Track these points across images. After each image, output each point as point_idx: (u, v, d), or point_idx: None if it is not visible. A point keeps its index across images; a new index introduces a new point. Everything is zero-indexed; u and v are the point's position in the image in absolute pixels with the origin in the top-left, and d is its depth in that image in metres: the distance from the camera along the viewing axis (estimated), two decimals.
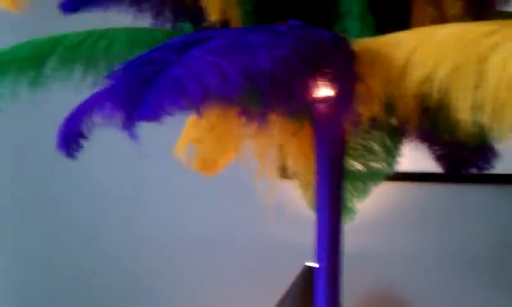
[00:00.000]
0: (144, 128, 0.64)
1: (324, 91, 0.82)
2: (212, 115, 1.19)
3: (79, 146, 0.76)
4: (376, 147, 1.26)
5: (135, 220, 1.92)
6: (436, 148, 1.22)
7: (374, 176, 1.32)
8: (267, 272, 1.76)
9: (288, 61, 0.68)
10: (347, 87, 0.76)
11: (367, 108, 0.77)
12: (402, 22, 0.92)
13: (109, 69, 0.91)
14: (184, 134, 1.29)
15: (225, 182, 1.78)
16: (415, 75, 0.70)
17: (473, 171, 1.27)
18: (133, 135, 0.64)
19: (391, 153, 1.22)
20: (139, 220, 1.91)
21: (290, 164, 1.25)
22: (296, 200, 1.74)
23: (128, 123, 0.63)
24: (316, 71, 0.75)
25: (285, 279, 1.65)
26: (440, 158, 1.27)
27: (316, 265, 1.51)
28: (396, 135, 1.16)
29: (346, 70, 0.75)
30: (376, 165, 1.32)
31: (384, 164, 1.30)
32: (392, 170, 1.29)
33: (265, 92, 0.68)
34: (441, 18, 0.91)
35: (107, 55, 0.97)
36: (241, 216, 1.82)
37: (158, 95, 0.63)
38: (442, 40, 0.70)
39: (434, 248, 1.72)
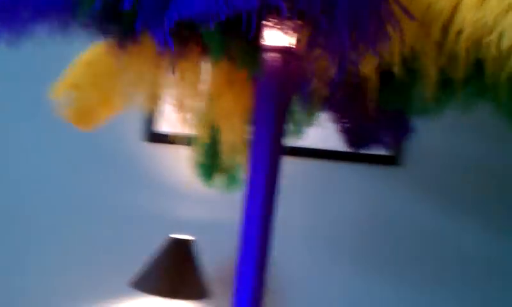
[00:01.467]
0: None
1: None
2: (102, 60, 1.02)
3: None
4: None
5: None
6: (345, 121, 1.13)
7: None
8: (129, 243, 1.66)
9: None
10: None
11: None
12: None
13: None
14: (63, 79, 1.12)
15: (87, 145, 1.64)
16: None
17: (375, 148, 1.21)
18: None
19: (299, 127, 1.11)
20: None
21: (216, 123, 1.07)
22: (164, 168, 1.62)
23: None
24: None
25: (147, 250, 1.57)
26: (346, 132, 1.18)
27: (183, 237, 1.40)
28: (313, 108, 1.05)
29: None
30: None
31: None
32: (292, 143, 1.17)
33: None
34: None
35: None
36: (104, 183, 1.65)
37: None
38: None
39: (300, 221, 1.68)
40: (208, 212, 1.65)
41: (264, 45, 0.76)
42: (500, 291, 1.73)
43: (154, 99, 1.02)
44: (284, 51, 0.75)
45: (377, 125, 1.07)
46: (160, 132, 1.64)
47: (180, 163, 1.65)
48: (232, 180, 1.32)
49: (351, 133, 1.15)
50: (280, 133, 0.79)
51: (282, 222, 1.67)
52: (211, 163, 1.25)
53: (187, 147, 1.70)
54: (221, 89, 0.93)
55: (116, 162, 1.65)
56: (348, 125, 1.16)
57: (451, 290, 1.71)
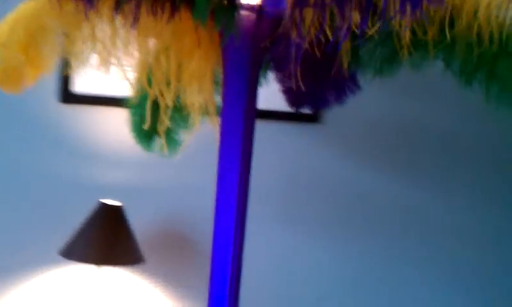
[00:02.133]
0: None
1: None
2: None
3: None
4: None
5: None
6: (287, 80, 1.13)
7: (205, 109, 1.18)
8: (55, 211, 1.56)
9: None
10: None
11: None
12: None
13: None
14: None
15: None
16: None
17: (316, 107, 1.23)
18: None
19: None
20: None
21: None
22: (84, 130, 1.55)
23: None
24: None
25: (74, 218, 1.52)
26: (287, 92, 1.19)
27: (111, 202, 1.36)
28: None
29: None
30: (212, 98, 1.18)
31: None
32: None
33: None
34: None
35: None
36: (23, 147, 1.53)
37: None
38: None
39: None
40: (134, 176, 1.60)
41: (239, 2, 0.73)
42: (419, 240, 1.87)
43: (105, 59, 0.95)
44: (259, 10, 0.73)
45: (322, 85, 1.09)
46: (79, 93, 1.54)
47: (102, 125, 1.57)
48: (172, 143, 1.28)
49: (294, 93, 1.16)
50: (253, 94, 0.78)
51: (206, 181, 1.68)
52: (151, 126, 1.21)
53: (110, 108, 1.61)
54: (189, 49, 0.89)
55: (33, 125, 1.52)
56: (288, 85, 1.17)
57: (375, 243, 1.82)
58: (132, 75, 1.08)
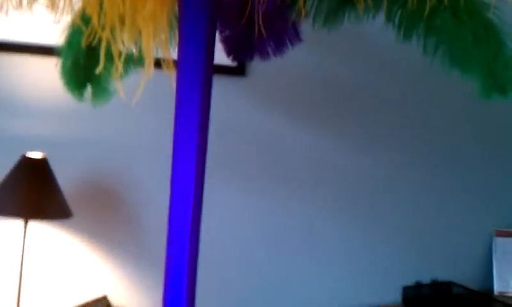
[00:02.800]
0: None
1: None
2: None
3: None
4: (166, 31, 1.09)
5: None
6: (226, 30, 1.13)
7: (140, 59, 1.16)
8: None
9: None
10: None
11: None
12: None
13: None
14: None
15: None
16: None
17: (255, 58, 1.24)
18: None
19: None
20: None
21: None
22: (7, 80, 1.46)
23: None
24: None
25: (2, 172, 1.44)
26: (226, 41, 1.18)
27: (34, 155, 1.31)
28: None
29: None
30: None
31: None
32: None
33: None
34: None
35: None
36: None
37: None
38: None
39: (150, 133, 1.67)
40: (61, 128, 1.53)
41: None
42: (334, 192, 1.97)
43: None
44: None
45: (262, 35, 1.10)
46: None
47: (26, 75, 1.48)
48: (103, 92, 1.24)
49: (233, 43, 1.16)
50: (211, 36, 0.77)
51: (133, 135, 1.64)
52: (83, 74, 1.16)
53: (33, 56, 1.52)
54: None
55: None
56: (228, 34, 1.17)
57: (301, 192, 1.89)
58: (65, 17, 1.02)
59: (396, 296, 2.14)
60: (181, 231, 0.79)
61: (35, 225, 1.51)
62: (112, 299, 1.64)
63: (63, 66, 1.17)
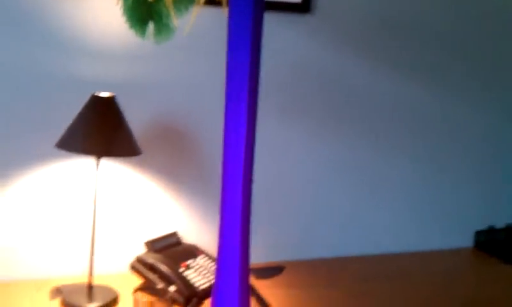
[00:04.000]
0: None
1: None
2: None
3: None
4: None
5: None
6: None
7: None
8: (49, 106, 1.49)
9: None
10: None
11: None
12: None
13: None
14: None
15: None
16: None
17: None
18: None
19: None
20: None
21: None
22: (72, 21, 1.48)
23: None
24: None
25: (71, 113, 1.52)
26: None
27: (103, 94, 1.34)
28: None
29: None
30: None
31: None
32: None
33: None
34: None
35: None
36: (15, 48, 1.45)
37: None
38: None
39: (208, 73, 1.65)
40: (125, 70, 1.56)
41: None
42: (408, 131, 1.92)
43: None
44: None
45: None
46: None
47: (89, 15, 1.50)
48: (164, 28, 1.25)
49: None
50: None
51: (203, 75, 1.65)
52: (145, 10, 1.17)
53: None
54: None
55: (19, 22, 1.45)
56: None
57: (364, 134, 1.86)
58: None
59: (468, 241, 2.09)
60: (234, 169, 0.80)
61: (106, 162, 1.57)
62: (182, 235, 1.69)
63: (125, 2, 1.18)
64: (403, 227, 1.98)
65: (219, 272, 0.83)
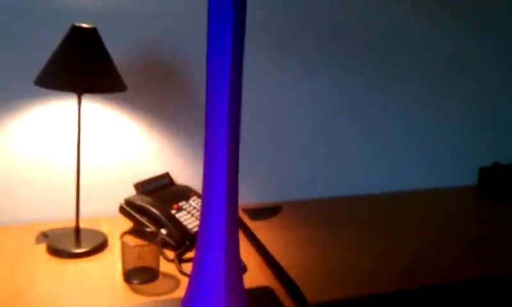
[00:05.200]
0: None
1: None
2: None
3: None
4: None
5: None
6: None
7: None
8: (29, 38, 1.39)
9: None
10: None
11: None
12: None
13: None
14: None
15: None
16: None
17: None
18: None
19: None
20: None
21: None
22: None
23: None
24: None
25: (51, 46, 1.33)
26: None
27: (85, 25, 1.24)
28: None
29: None
30: None
31: None
32: None
33: None
34: None
35: None
36: None
37: None
38: None
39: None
40: (106, 1, 1.44)
41: None
42: (416, 67, 1.82)
43: None
44: None
45: None
46: None
47: None
48: None
49: None
50: None
51: (182, 4, 1.54)
52: None
53: None
54: None
55: None
56: None
57: (372, 70, 1.76)
58: None
59: (473, 178, 2.03)
60: (219, 97, 0.71)
61: (88, 101, 1.48)
62: (174, 176, 1.62)
63: None
64: (408, 165, 1.91)
65: (204, 213, 0.76)
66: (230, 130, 0.69)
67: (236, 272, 0.77)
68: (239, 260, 0.78)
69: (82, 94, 1.30)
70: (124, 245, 1.16)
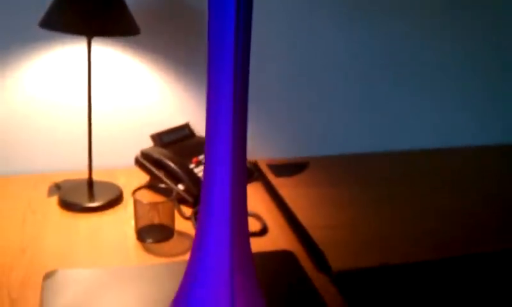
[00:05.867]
0: None
1: None
2: None
3: None
4: None
5: None
6: None
7: None
8: None
9: None
10: None
11: None
12: None
13: None
14: None
15: None
16: None
17: None
18: None
19: None
20: None
21: None
22: None
23: None
24: None
25: None
26: None
27: None
28: None
29: None
30: None
31: None
32: None
33: None
34: None
35: None
36: None
37: None
38: None
39: None
40: None
41: None
42: (436, 23, 1.66)
43: None
44: None
45: None
46: None
47: None
48: None
49: None
50: None
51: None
52: None
53: None
54: None
55: None
56: None
57: (392, 24, 1.62)
58: None
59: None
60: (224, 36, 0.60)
61: (99, 44, 1.38)
62: (195, 127, 1.53)
63: None
64: (459, 121, 1.78)
65: (207, 165, 0.65)
66: (236, 57, 0.58)
67: (243, 236, 0.68)
68: (246, 223, 0.68)
69: (91, 37, 1.20)
70: (136, 202, 1.08)
